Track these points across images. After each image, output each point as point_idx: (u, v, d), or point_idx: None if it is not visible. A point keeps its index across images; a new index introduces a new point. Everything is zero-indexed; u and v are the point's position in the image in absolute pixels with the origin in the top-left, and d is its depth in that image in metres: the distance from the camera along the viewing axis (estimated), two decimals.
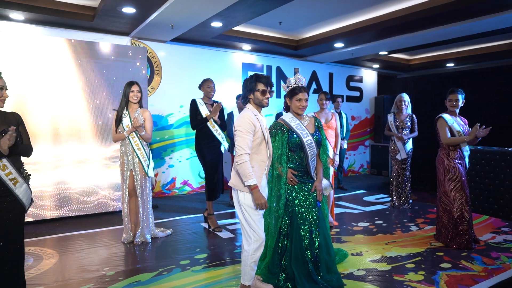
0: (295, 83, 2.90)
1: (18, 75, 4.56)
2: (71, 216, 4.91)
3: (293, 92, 2.88)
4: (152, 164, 3.95)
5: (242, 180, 2.52)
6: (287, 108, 3.03)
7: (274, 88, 7.53)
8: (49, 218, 4.77)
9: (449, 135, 3.75)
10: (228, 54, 7.02)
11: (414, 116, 5.61)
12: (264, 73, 7.47)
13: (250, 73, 7.48)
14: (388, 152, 8.94)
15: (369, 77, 9.35)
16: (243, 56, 7.20)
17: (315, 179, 2.95)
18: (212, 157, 4.40)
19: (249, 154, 2.54)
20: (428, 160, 7.75)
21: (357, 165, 9.11)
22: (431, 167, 7.55)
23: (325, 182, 3.05)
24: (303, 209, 2.87)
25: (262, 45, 6.94)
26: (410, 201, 5.62)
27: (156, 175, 6.24)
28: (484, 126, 3.52)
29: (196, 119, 4.36)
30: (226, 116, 5.57)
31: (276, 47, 7.10)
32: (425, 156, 7.84)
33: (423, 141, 6.86)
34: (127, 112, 3.84)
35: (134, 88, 3.81)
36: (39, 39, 4.76)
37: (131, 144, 3.82)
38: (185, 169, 6.54)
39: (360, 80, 9.15)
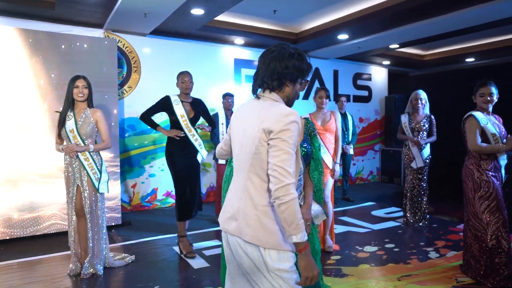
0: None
1: None
2: (18, 237, 4.15)
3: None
4: (105, 177, 3.19)
5: (287, 232, 1.38)
6: None
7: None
8: None
9: (479, 140, 2.90)
10: (217, 48, 6.26)
11: (432, 117, 4.74)
12: None
13: (244, 71, 6.79)
14: (401, 158, 8.12)
15: (378, 75, 8.49)
16: (236, 51, 6.43)
17: (302, 203, 2.15)
18: (185, 166, 3.64)
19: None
20: (446, 166, 6.87)
21: (366, 172, 8.23)
22: (449, 174, 6.63)
23: (315, 208, 2.24)
24: None
25: (257, 39, 6.16)
26: (427, 216, 4.75)
27: (134, 186, 5.50)
28: None
29: (152, 111, 3.67)
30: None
31: (273, 40, 6.30)
32: (441, 163, 6.95)
33: (440, 146, 5.98)
34: (72, 114, 3.10)
35: (79, 83, 3.06)
36: None
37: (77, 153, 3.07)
38: (168, 179, 5.70)
39: (369, 78, 8.29)
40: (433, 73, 8.82)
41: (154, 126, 3.66)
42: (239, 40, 6.19)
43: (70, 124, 3.05)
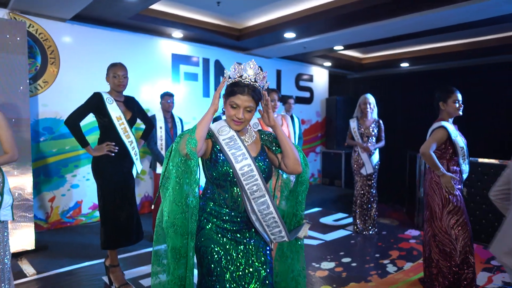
0: (241, 75, 1.64)
1: None
2: None
3: (231, 90, 1.63)
4: (8, 200, 2.44)
5: None
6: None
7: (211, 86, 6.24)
8: None
9: (434, 148, 2.71)
10: (153, 41, 5.59)
11: (381, 121, 4.67)
12: (200, 68, 6.14)
13: (183, 68, 6.18)
14: (341, 160, 8.16)
15: (320, 76, 8.43)
16: (173, 45, 5.81)
17: (267, 232, 1.72)
18: (118, 182, 3.01)
19: None
20: (383, 168, 7.01)
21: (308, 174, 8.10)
22: (386, 176, 6.71)
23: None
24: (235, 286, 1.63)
25: (197, 33, 5.61)
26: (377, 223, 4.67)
27: (52, 199, 4.63)
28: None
29: (81, 114, 2.95)
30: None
31: (214, 35, 5.81)
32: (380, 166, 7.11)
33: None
34: None
35: None
36: None
37: None
38: (94, 189, 4.95)
39: (311, 79, 8.18)
40: (369, 76, 9.04)
41: (83, 142, 2.95)
42: (178, 33, 5.59)
43: None
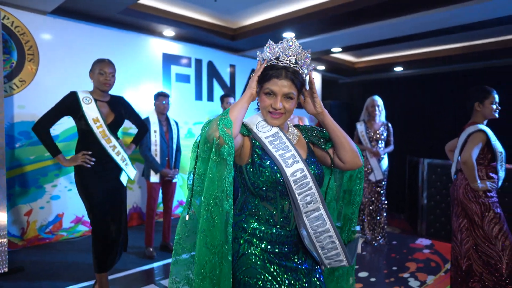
0: (278, 56, 1.32)
1: None
2: None
3: (264, 74, 1.31)
4: None
5: None
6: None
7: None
8: None
9: (476, 155, 2.45)
10: (143, 39, 5.18)
11: (389, 124, 4.42)
12: (193, 69, 5.76)
13: (174, 68, 5.79)
14: None
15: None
16: (164, 44, 5.41)
17: (320, 256, 1.37)
18: (104, 194, 2.62)
19: None
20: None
21: None
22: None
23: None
24: None
25: (190, 31, 5.24)
26: (386, 234, 4.38)
27: (28, 213, 4.12)
28: None
29: (52, 118, 2.57)
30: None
31: (208, 35, 5.46)
32: None
33: None
34: None
35: None
36: None
37: None
38: (77, 201, 4.43)
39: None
40: (362, 80, 8.88)
41: (54, 151, 2.58)
42: (169, 31, 5.21)
43: None
